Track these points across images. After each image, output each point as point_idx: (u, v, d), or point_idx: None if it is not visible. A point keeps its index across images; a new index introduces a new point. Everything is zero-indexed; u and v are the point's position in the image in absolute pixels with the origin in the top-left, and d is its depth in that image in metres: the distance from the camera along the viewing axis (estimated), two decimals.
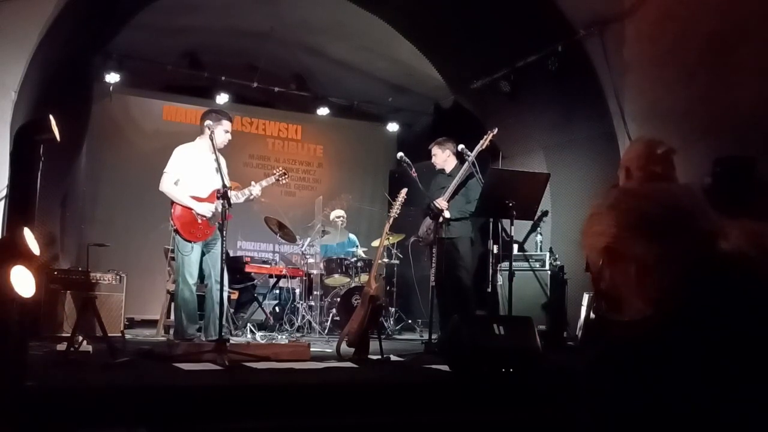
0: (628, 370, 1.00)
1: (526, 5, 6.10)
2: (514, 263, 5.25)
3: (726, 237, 1.09)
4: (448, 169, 5.79)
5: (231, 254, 6.70)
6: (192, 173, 5.01)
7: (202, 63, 8.20)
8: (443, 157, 5.77)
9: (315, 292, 6.97)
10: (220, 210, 4.45)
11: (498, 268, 5.65)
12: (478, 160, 5.39)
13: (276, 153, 9.22)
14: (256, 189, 5.23)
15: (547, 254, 6.03)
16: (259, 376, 3.69)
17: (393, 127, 9.34)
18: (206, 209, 4.92)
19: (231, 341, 4.66)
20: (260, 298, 6.98)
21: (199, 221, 4.98)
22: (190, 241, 4.95)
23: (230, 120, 5.16)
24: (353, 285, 6.84)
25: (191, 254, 4.97)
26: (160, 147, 7.32)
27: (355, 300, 6.36)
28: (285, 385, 3.39)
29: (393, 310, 7.24)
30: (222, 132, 5.02)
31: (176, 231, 4.93)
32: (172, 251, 5.48)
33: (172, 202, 4.99)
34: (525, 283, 5.77)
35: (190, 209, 4.96)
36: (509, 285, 4.83)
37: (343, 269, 7.05)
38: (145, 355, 4.18)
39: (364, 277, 6.75)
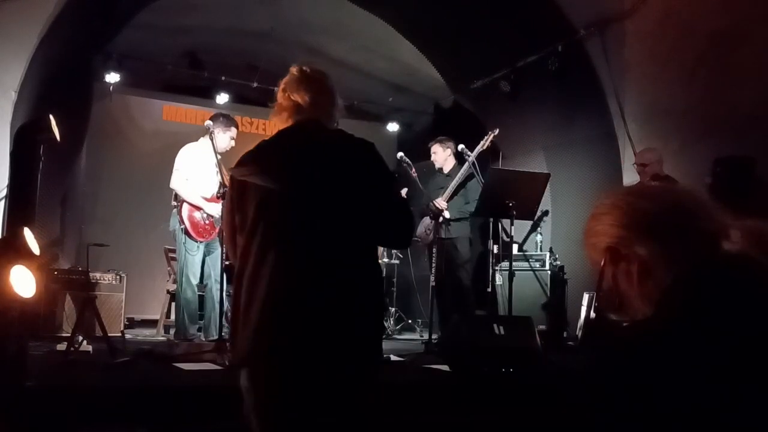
0: (629, 372, 1.00)
1: (526, 5, 6.10)
2: (514, 263, 5.25)
3: (728, 237, 1.09)
4: (447, 169, 5.79)
5: None
6: (197, 173, 5.01)
7: (202, 63, 8.19)
8: (444, 156, 5.77)
9: None
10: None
11: (498, 268, 5.65)
12: (478, 160, 5.40)
13: None
14: None
15: (547, 254, 6.03)
16: None
17: (393, 127, 9.33)
18: (216, 210, 4.91)
19: None
20: None
21: (206, 222, 4.99)
22: (197, 241, 4.95)
23: (237, 127, 5.19)
24: None
25: (197, 254, 4.98)
26: (160, 147, 7.34)
27: None
28: None
29: (393, 310, 7.23)
30: (228, 138, 5.04)
31: (184, 231, 4.92)
32: (172, 251, 5.48)
33: (179, 202, 4.98)
34: (525, 283, 5.76)
35: (200, 209, 4.97)
36: (509, 285, 4.83)
37: None
38: (145, 355, 4.17)
39: None
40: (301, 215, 1.86)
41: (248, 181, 1.90)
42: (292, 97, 1.99)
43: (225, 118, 5.08)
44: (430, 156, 5.91)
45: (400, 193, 2.02)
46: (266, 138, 2.04)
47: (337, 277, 1.86)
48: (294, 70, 2.03)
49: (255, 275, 1.85)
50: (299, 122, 1.99)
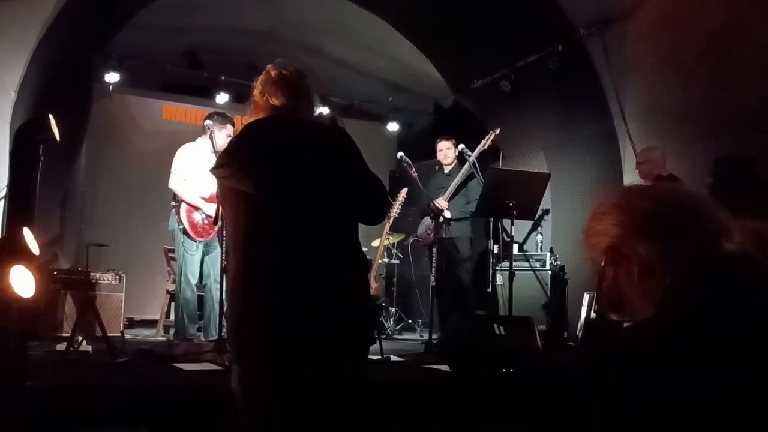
0: (630, 372, 1.00)
1: (526, 5, 6.10)
2: (514, 263, 5.25)
3: (729, 237, 1.08)
4: (448, 168, 5.78)
5: None
6: (195, 173, 5.01)
7: (202, 62, 8.19)
8: (453, 155, 5.73)
9: None
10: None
11: (498, 268, 5.65)
12: (478, 159, 5.39)
13: None
14: None
15: (548, 254, 6.03)
16: None
17: (393, 126, 9.33)
18: (214, 209, 4.91)
19: None
20: None
21: (205, 221, 4.99)
22: (196, 241, 4.96)
23: (234, 125, 5.17)
24: None
25: (195, 254, 4.98)
26: (159, 147, 7.33)
27: None
28: None
29: (393, 310, 7.23)
30: (224, 136, 5.02)
31: (183, 230, 4.93)
32: (172, 251, 5.48)
33: (177, 202, 4.98)
34: (525, 283, 5.76)
35: (198, 208, 4.97)
36: (509, 285, 4.83)
37: None
38: (145, 355, 4.17)
39: None
40: (281, 215, 1.86)
41: (227, 184, 1.91)
42: (270, 101, 2.02)
43: (221, 116, 5.08)
44: (430, 156, 5.89)
45: (370, 170, 2.00)
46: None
47: (323, 276, 1.85)
48: (273, 72, 2.05)
49: (241, 275, 1.86)
50: (272, 116, 2.01)
